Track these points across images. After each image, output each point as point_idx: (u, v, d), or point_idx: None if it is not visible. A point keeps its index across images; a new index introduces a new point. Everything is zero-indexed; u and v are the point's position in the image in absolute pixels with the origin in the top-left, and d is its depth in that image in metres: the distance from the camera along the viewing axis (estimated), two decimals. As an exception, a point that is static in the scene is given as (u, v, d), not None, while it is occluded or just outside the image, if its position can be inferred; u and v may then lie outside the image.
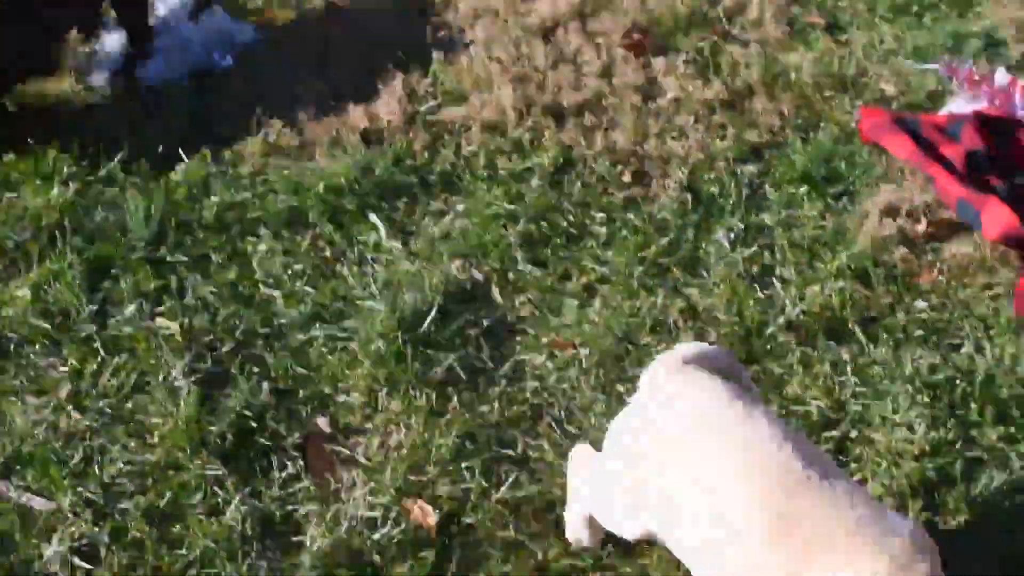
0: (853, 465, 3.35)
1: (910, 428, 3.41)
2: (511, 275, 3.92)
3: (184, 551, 3.18)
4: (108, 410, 3.52)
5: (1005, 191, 4.09)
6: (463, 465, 3.36)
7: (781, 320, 3.71)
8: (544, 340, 3.70)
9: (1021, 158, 4.35)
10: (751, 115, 4.52)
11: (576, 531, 3.09)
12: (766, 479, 2.51)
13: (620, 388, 3.54)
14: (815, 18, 5.10)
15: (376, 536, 3.19)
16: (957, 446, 3.37)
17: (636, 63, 4.74)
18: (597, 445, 2.98)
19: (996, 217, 3.97)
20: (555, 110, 4.52)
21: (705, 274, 3.89)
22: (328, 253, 4.02)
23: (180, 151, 4.39)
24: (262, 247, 4.03)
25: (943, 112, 4.53)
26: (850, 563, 2.40)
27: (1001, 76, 4.61)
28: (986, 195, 4.03)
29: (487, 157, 4.34)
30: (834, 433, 3.42)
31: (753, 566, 2.49)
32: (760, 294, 3.81)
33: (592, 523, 3.02)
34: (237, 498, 3.28)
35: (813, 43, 4.95)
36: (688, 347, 2.91)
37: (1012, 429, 3.43)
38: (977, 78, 4.59)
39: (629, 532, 2.85)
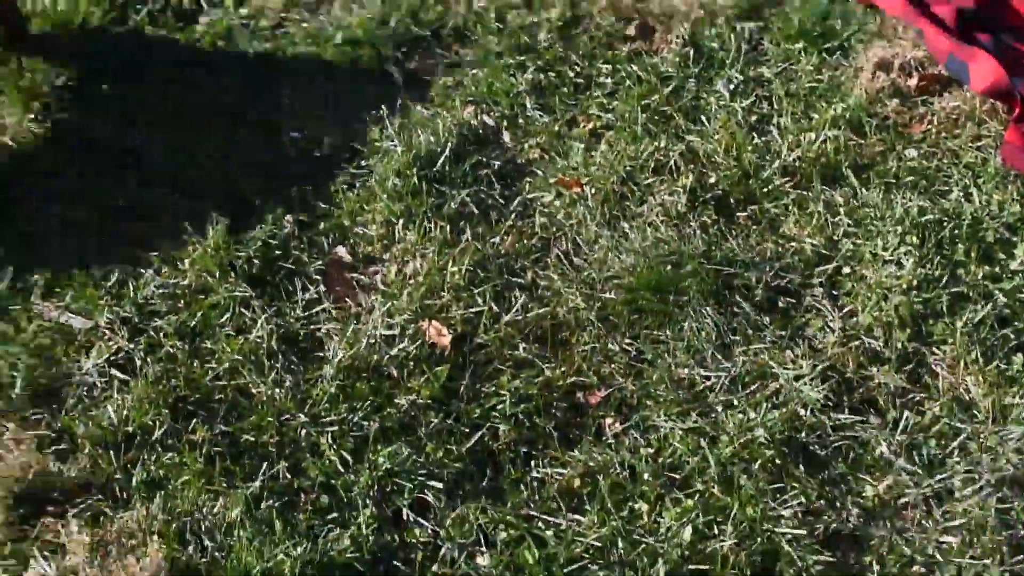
0: (845, 298, 3.54)
1: (899, 264, 3.58)
2: (520, 121, 4.10)
3: (214, 364, 3.39)
4: (141, 240, 3.74)
5: (991, 47, 4.25)
6: (475, 291, 3.56)
7: (777, 164, 3.88)
8: (552, 180, 3.88)
9: (1008, 16, 4.49)
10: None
11: None
12: None
13: (624, 225, 3.73)
14: None
15: (393, 352, 3.40)
16: (943, 282, 3.55)
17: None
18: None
19: (984, 70, 4.12)
20: (561, -31, 4.67)
21: (705, 121, 4.05)
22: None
23: (202, 3, 4.55)
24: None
25: (937, -27, 4.67)
26: None
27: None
28: (974, 49, 4.19)
29: (496, 12, 4.49)
30: (827, 268, 3.60)
31: None
32: (757, 140, 3.98)
33: None
34: (263, 317, 3.48)
35: (813, -92, 5.09)
36: None
37: (996, 269, 3.61)
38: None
39: None
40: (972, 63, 4.15)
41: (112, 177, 3.93)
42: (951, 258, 3.62)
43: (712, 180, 3.84)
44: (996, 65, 4.10)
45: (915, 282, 3.53)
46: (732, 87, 4.17)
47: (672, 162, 3.90)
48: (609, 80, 4.22)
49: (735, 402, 3.32)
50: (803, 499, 3.14)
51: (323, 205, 3.84)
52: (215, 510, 3.15)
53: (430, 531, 3.15)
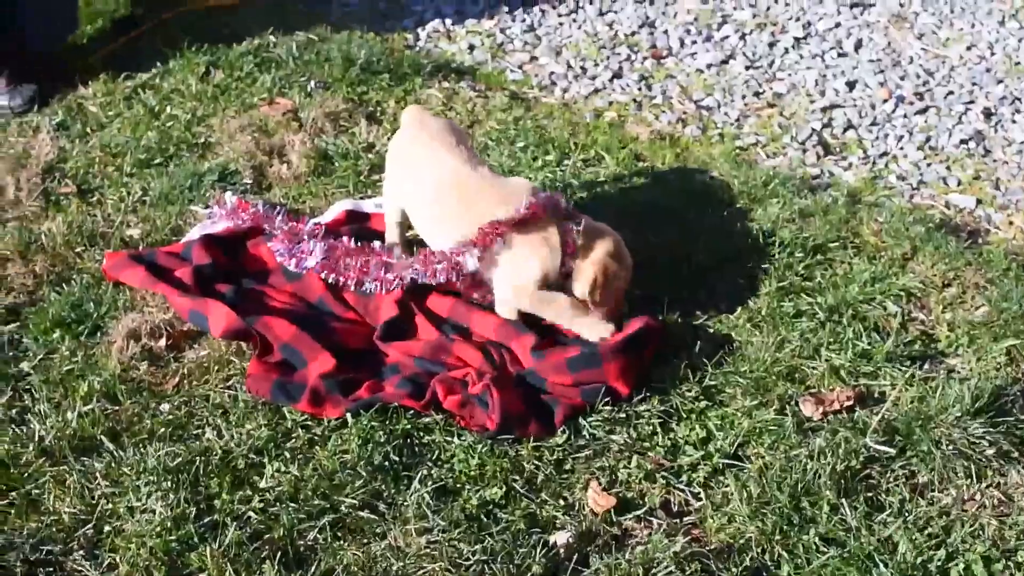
0: (108, 554, 3.78)
1: (152, 512, 3.86)
2: None
3: None
4: None
5: (232, 294, 4.68)
6: None
7: (33, 448, 4.11)
8: None
9: (248, 263, 4.97)
10: (8, 281, 4.95)
11: None
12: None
13: None
14: (67, 188, 5.58)
15: None
16: (196, 515, 3.87)
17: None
18: None
19: (219, 317, 4.54)
20: None
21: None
22: None
23: None
24: None
25: (182, 241, 5.08)
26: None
27: (230, 198, 5.21)
28: (208, 300, 4.61)
29: None
30: (87, 530, 3.84)
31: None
32: (17, 431, 4.19)
33: None
34: None
35: (66, 208, 5.42)
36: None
37: (248, 491, 4.00)
38: (233, 207, 5.15)
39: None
40: (209, 313, 4.57)
41: None
42: (205, 492, 3.94)
43: (-39, 474, 4.05)
44: (228, 311, 4.54)
45: (169, 523, 3.81)
46: (-12, 390, 4.41)
47: (-73, 473, 4.07)
48: None
49: None
50: None
51: None
52: None
53: None
